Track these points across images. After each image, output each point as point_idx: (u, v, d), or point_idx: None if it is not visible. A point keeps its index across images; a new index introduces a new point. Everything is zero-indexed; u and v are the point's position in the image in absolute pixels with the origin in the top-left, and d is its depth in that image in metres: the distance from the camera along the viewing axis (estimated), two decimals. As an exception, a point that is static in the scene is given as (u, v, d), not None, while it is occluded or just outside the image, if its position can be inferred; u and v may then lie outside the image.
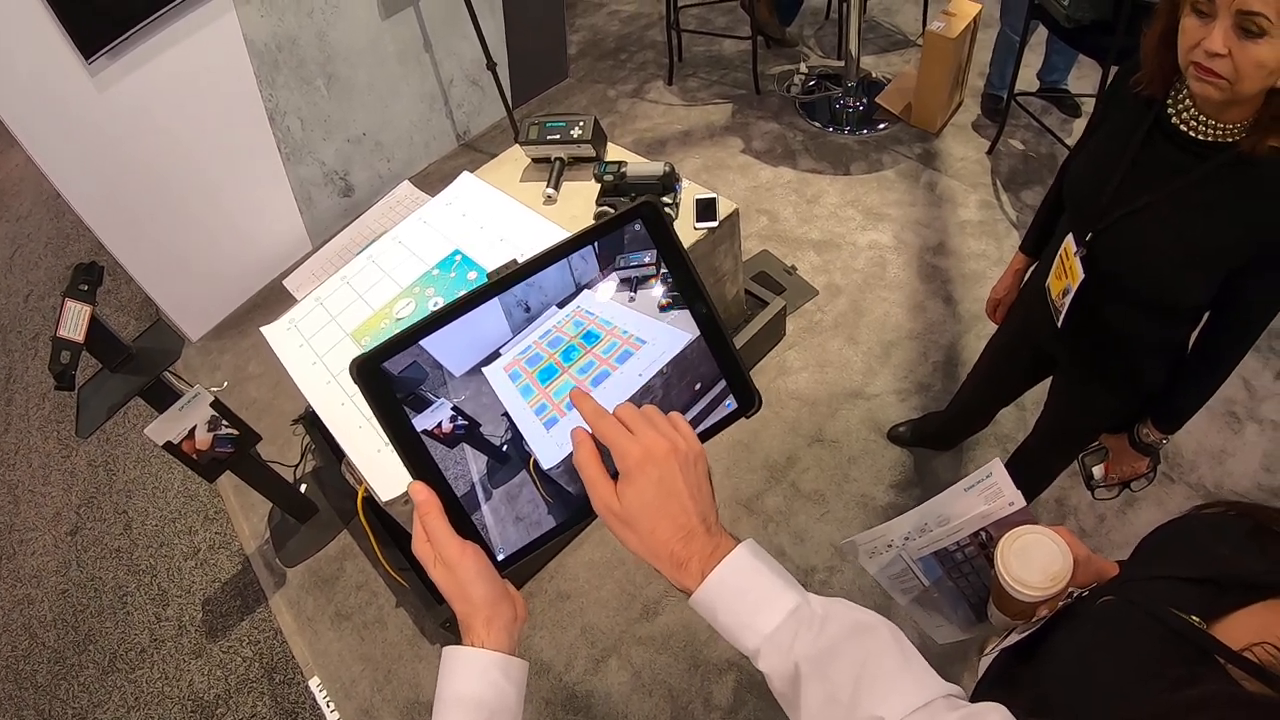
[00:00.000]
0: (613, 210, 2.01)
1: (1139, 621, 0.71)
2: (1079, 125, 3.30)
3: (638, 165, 2.23)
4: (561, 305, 0.72)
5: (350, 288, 2.24)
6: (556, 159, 2.37)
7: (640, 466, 0.62)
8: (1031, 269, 1.72)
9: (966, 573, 1.07)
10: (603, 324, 0.73)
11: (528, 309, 0.70)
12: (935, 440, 2.43)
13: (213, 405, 2.23)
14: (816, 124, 3.53)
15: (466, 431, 0.69)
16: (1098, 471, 1.62)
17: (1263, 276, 1.19)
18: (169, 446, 2.21)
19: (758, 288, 2.69)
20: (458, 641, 0.67)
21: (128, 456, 3.19)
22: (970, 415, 2.24)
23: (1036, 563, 0.88)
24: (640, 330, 0.72)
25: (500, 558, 0.70)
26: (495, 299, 0.68)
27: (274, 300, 3.29)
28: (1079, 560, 0.89)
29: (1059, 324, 1.46)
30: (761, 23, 3.55)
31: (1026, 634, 0.91)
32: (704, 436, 0.70)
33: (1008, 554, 0.90)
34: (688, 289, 0.71)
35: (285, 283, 2.61)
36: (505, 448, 0.70)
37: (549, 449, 0.71)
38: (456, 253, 2.19)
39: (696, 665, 2.17)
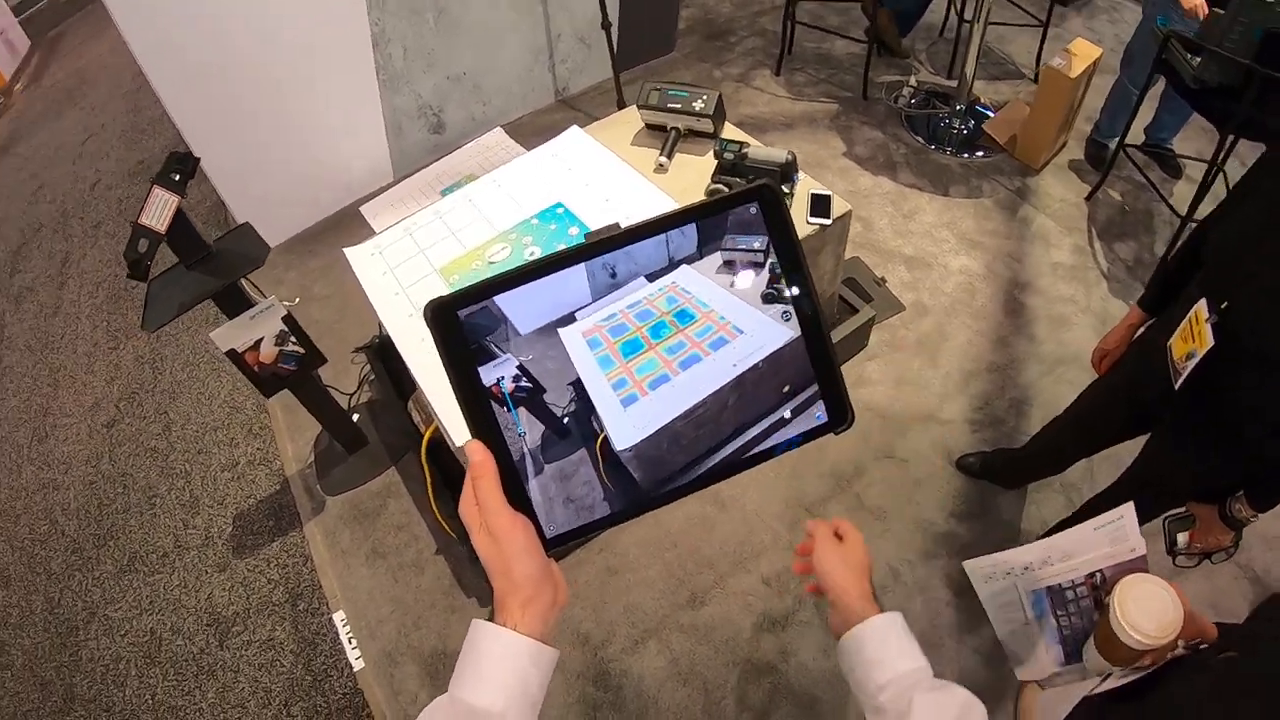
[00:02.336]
0: (726, 189, 1.96)
1: (1263, 677, 0.73)
2: (1179, 189, 3.21)
3: (759, 149, 2.17)
4: (651, 278, 0.66)
5: (443, 223, 2.18)
6: (673, 128, 2.31)
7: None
8: (1145, 325, 1.69)
9: (1072, 612, 1.11)
10: (699, 305, 0.67)
11: (613, 275, 0.65)
12: (1002, 477, 2.37)
13: (285, 320, 2.18)
14: (920, 139, 3.46)
15: (528, 395, 0.63)
16: (1182, 539, 1.58)
17: None
18: (232, 354, 2.15)
19: (848, 293, 2.63)
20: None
21: (176, 357, 3.15)
22: (1048, 458, 2.17)
23: (1153, 611, 0.91)
24: (739, 318, 0.66)
25: (549, 536, 0.64)
26: (582, 264, 0.63)
27: (347, 224, 3.23)
28: (1186, 615, 0.91)
29: (1176, 386, 1.41)
30: (880, 29, 3.48)
31: (1127, 680, 0.93)
32: (788, 446, 0.67)
33: (1126, 599, 0.92)
34: (797, 285, 0.66)
35: (363, 209, 2.56)
36: (567, 420, 0.64)
37: (625, 429, 0.65)
38: (559, 205, 2.13)
39: (735, 662, 2.11)
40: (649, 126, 2.39)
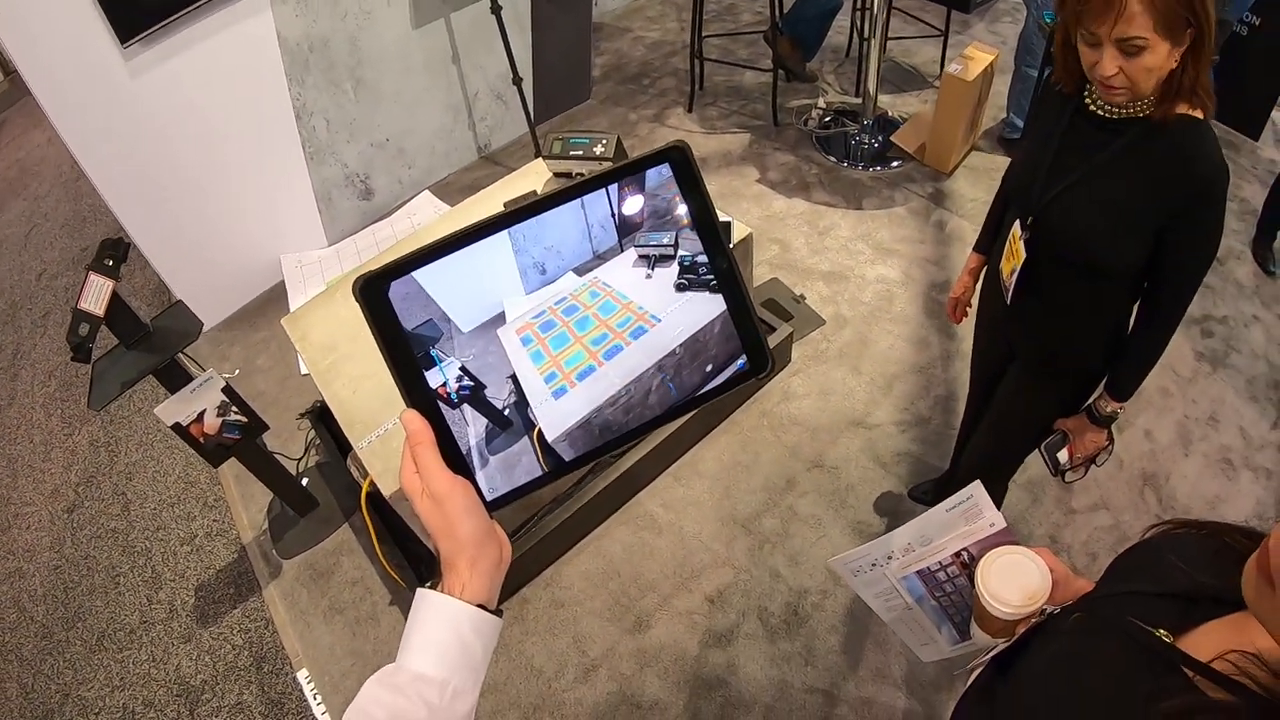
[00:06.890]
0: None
1: (1108, 636, 0.74)
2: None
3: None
4: (580, 273, 0.70)
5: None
6: (578, 174, 2.42)
7: None
8: (985, 269, 1.79)
9: (949, 591, 1.11)
10: (620, 297, 0.71)
11: (544, 271, 0.69)
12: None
13: (224, 390, 2.27)
14: (832, 158, 3.60)
15: (471, 393, 0.67)
16: (1062, 457, 1.66)
17: (1188, 227, 1.31)
18: (177, 428, 2.24)
19: (766, 314, 2.73)
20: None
21: (130, 439, 3.21)
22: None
23: (1015, 581, 0.92)
24: (656, 308, 0.71)
25: (489, 499, 0.68)
26: (514, 259, 0.67)
27: (285, 297, 3.33)
28: (1058, 579, 0.92)
29: (1007, 301, 1.57)
30: (783, 56, 3.63)
31: (1004, 648, 0.94)
32: (713, 395, 0.71)
33: (987, 573, 0.94)
34: (711, 242, 0.69)
35: (281, 255, 2.62)
36: (508, 412, 0.68)
37: (554, 419, 0.69)
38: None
39: (685, 681, 2.19)
40: (558, 175, 2.51)
